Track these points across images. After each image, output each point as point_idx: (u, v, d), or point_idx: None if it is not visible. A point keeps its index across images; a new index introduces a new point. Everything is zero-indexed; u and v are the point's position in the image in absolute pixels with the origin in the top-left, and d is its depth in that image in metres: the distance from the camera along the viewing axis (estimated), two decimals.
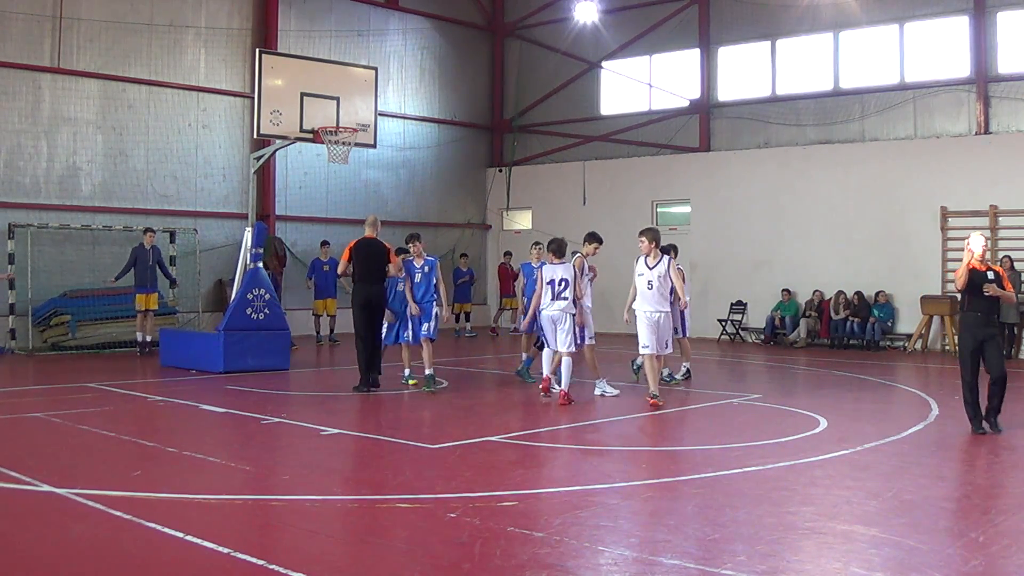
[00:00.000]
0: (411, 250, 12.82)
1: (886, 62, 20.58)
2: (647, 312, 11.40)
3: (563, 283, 11.64)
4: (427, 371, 12.58)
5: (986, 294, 9.36)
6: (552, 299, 11.74)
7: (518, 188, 26.19)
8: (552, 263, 11.87)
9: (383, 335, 12.89)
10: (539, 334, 12.70)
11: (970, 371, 9.53)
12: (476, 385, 13.80)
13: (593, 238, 12.49)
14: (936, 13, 19.94)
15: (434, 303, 12.72)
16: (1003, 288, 9.55)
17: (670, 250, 12.73)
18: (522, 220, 26.26)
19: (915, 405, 11.93)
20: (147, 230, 17.56)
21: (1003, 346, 10.18)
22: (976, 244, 9.52)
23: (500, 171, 26.45)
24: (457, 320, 22.05)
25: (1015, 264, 17.74)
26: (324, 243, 20.37)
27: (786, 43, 22.03)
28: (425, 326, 12.65)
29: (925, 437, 9.66)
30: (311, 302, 19.98)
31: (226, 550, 5.58)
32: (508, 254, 23.38)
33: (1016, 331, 18.01)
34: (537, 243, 14.19)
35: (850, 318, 19.84)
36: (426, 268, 12.77)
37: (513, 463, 8.40)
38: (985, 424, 9.49)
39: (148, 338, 17.08)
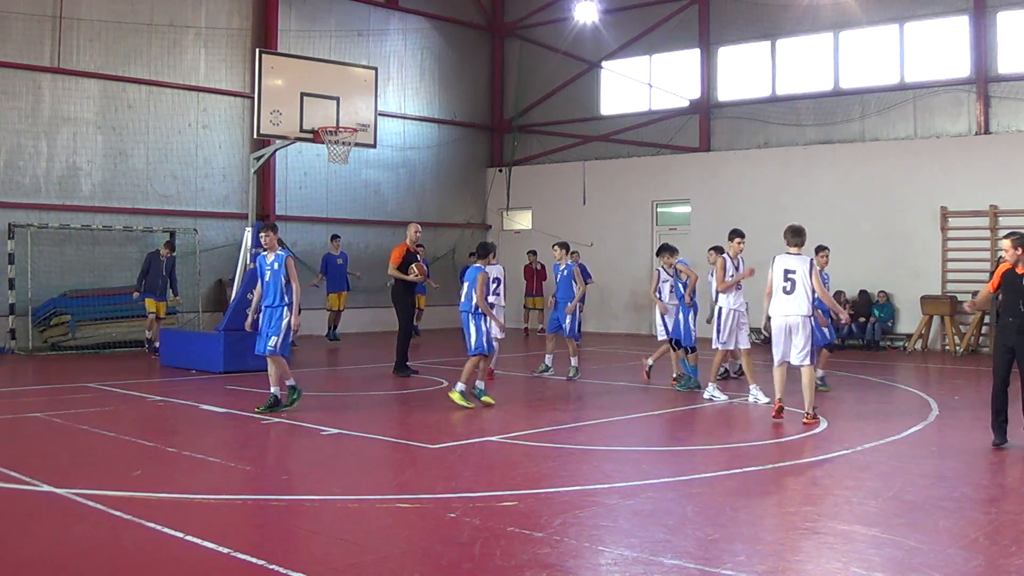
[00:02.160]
0: (262, 241, 10.75)
1: (886, 62, 20.57)
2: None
3: (496, 282, 13.05)
4: (272, 389, 10.65)
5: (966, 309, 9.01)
6: (491, 295, 12.89)
7: (518, 188, 26.19)
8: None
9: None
10: (673, 336, 12.95)
11: (999, 380, 8.87)
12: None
13: (736, 234, 12.18)
14: (936, 13, 19.93)
15: (283, 309, 10.52)
16: None
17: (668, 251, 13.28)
18: (522, 220, 26.26)
19: (915, 405, 11.92)
20: (166, 243, 17.48)
21: None
22: (1004, 244, 8.83)
23: (500, 171, 26.44)
24: None
25: None
26: (335, 237, 20.40)
27: (786, 43, 22.03)
28: (272, 340, 10.46)
29: (925, 437, 9.66)
30: (320, 300, 20.02)
31: (226, 550, 5.58)
32: (533, 253, 23.41)
33: None
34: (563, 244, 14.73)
35: (858, 317, 19.80)
36: (276, 265, 10.58)
37: (513, 463, 8.40)
38: (1004, 438, 8.79)
39: (156, 344, 16.92)
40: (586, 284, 15.34)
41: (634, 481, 7.57)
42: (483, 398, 11.19)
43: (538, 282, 22.90)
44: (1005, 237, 8.97)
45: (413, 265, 14.12)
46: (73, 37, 18.75)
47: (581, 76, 25.10)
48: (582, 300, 14.49)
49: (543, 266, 22.90)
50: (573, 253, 16.86)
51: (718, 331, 12.01)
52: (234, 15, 21.13)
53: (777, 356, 10.37)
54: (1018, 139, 18.87)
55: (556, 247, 14.45)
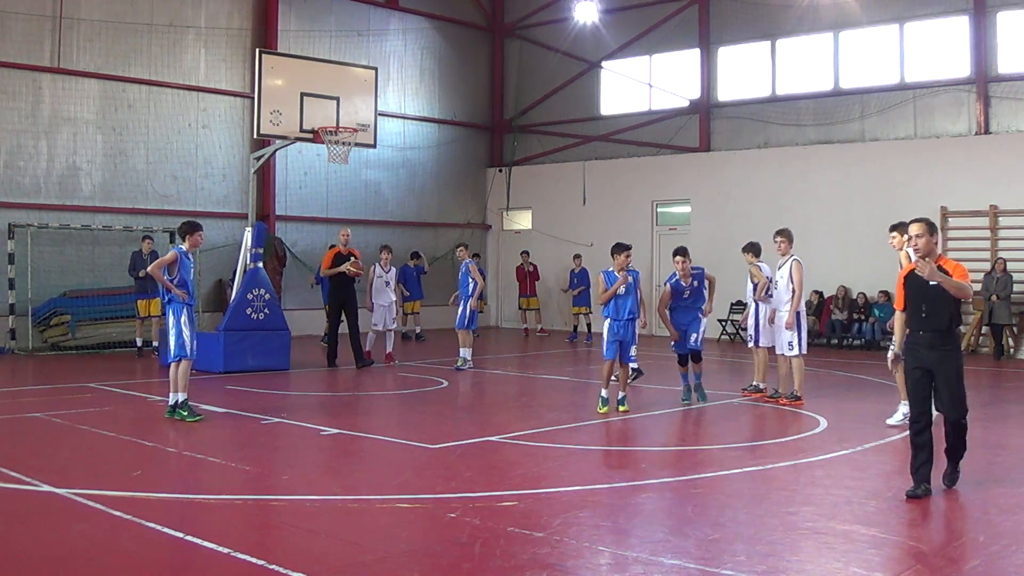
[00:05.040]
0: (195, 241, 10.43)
1: (886, 62, 20.56)
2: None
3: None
4: (180, 396, 10.07)
5: (919, 273, 6.97)
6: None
7: (518, 188, 26.18)
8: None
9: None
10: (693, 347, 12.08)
11: (914, 408, 7.09)
12: (476, 385, 13.79)
13: (902, 226, 10.80)
14: (936, 13, 19.92)
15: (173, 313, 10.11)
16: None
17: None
18: (522, 220, 26.26)
19: None
20: (144, 237, 17.34)
21: (961, 377, 7.04)
22: (912, 231, 7.17)
23: (500, 171, 26.44)
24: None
25: (1007, 265, 17.63)
26: (332, 247, 20.21)
27: (786, 43, 22.02)
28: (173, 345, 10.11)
29: None
30: (318, 300, 19.94)
31: (226, 550, 5.58)
32: (525, 253, 23.45)
33: (1015, 331, 18.01)
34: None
35: (857, 318, 19.77)
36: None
37: (513, 463, 8.40)
38: (925, 486, 6.90)
39: (155, 343, 16.77)
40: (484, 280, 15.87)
41: (634, 481, 7.57)
42: (621, 407, 10.94)
43: (531, 282, 22.96)
44: (914, 222, 7.23)
45: (348, 263, 15.01)
46: (73, 37, 18.74)
47: (581, 76, 25.09)
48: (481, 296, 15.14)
49: (535, 267, 23.05)
50: (476, 255, 17.68)
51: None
52: (234, 15, 21.13)
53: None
54: (1018, 139, 18.86)
55: (460, 247, 15.68)
